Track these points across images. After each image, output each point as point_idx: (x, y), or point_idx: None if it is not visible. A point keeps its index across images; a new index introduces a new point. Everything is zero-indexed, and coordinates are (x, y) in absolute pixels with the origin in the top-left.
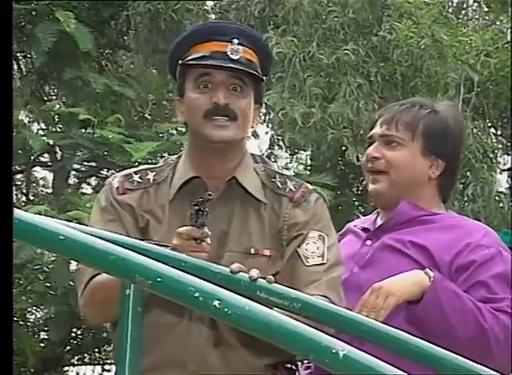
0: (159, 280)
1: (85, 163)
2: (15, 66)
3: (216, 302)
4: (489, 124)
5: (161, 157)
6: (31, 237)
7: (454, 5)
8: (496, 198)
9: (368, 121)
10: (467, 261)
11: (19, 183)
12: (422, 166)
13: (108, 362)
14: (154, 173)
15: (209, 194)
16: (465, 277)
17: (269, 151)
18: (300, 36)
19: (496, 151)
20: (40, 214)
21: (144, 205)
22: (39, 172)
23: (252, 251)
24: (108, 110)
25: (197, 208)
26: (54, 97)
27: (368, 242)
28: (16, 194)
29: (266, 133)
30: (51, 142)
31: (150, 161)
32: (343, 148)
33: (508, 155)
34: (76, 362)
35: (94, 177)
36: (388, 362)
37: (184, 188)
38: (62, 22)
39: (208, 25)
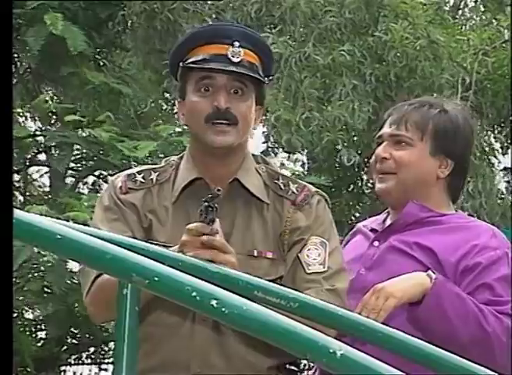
0: (156, 279)
1: (83, 162)
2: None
3: (214, 302)
4: (487, 122)
5: (159, 157)
6: (28, 236)
7: (451, 4)
8: (497, 194)
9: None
10: (473, 263)
11: (15, 183)
12: (431, 165)
13: (106, 361)
14: (157, 173)
15: (218, 190)
16: (470, 279)
17: (267, 150)
18: (297, 36)
19: (495, 148)
20: (41, 215)
21: (148, 205)
22: (36, 172)
23: (255, 253)
24: (105, 109)
25: (206, 204)
26: (52, 96)
27: (376, 243)
28: (13, 194)
29: (263, 132)
30: (47, 142)
31: (149, 160)
32: (338, 149)
33: (504, 155)
34: (73, 362)
35: (91, 177)
36: (387, 362)
37: (187, 189)
38: (49, 25)
39: (209, 27)
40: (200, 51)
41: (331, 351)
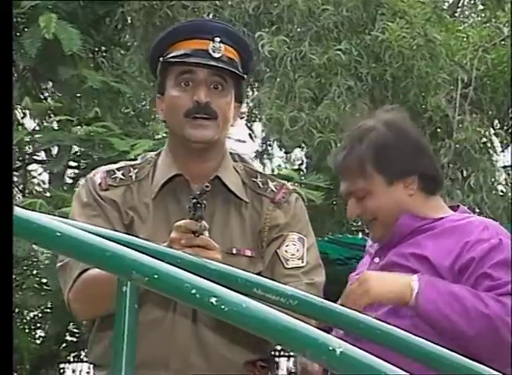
0: (156, 276)
1: (81, 161)
2: None
3: (213, 299)
4: (487, 118)
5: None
6: (27, 233)
7: (450, 2)
8: (498, 187)
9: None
10: (467, 259)
11: (15, 180)
12: (397, 192)
13: None
14: (136, 170)
15: (206, 186)
16: (468, 275)
17: (264, 150)
18: (294, 34)
19: (495, 144)
20: (34, 206)
21: (128, 202)
22: (35, 169)
23: (234, 251)
24: (103, 107)
25: (194, 201)
26: (49, 95)
27: (376, 260)
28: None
29: (262, 131)
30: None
31: None
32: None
33: (503, 151)
34: (72, 359)
35: None
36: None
37: (166, 186)
38: (43, 27)
39: (189, 23)
40: (181, 46)
41: (330, 348)
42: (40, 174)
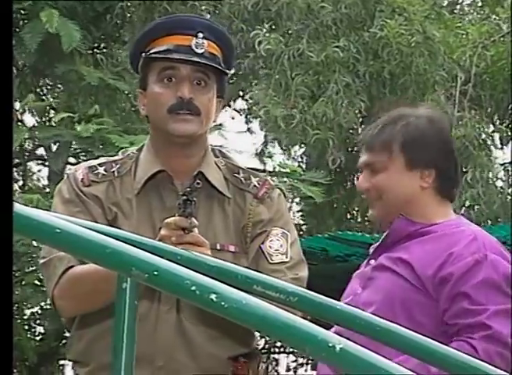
0: (156, 273)
1: (81, 158)
2: None
3: (213, 296)
4: (487, 114)
5: None
6: (27, 230)
7: None
8: (497, 184)
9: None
10: (447, 273)
11: (14, 177)
12: (411, 180)
13: None
14: (118, 165)
15: (197, 183)
16: (447, 290)
17: (264, 147)
18: (292, 31)
19: (494, 140)
20: (32, 202)
21: (111, 198)
22: (35, 166)
23: (218, 246)
24: (102, 104)
25: (184, 197)
26: (49, 91)
27: (372, 262)
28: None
29: (261, 129)
30: (43, 137)
31: None
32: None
33: (504, 146)
34: None
35: None
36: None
37: (149, 182)
38: (46, 22)
39: (172, 18)
40: (164, 42)
41: (330, 345)
42: (39, 171)
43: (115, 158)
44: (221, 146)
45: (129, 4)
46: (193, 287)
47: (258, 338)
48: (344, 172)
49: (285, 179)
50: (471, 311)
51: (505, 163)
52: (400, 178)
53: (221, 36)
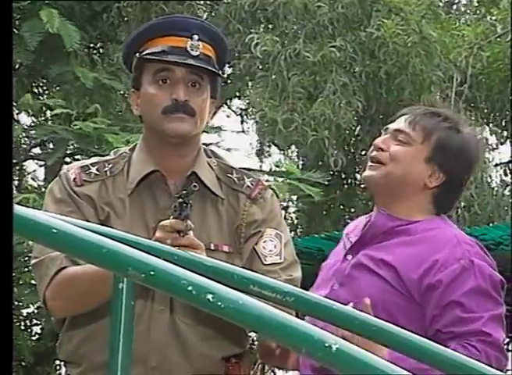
0: (152, 273)
1: (77, 157)
2: None
3: (209, 296)
4: (482, 115)
5: None
6: (24, 230)
7: None
8: (492, 185)
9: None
10: (435, 280)
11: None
12: (421, 170)
13: None
14: (110, 165)
15: (194, 186)
16: (437, 298)
17: (261, 147)
18: (289, 31)
19: (488, 140)
20: (28, 201)
21: (104, 198)
22: (31, 166)
23: (212, 246)
24: (97, 103)
25: (181, 200)
26: (45, 91)
27: (349, 257)
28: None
29: (257, 131)
30: (39, 136)
31: None
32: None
33: (502, 144)
34: None
35: None
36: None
37: (143, 182)
38: (46, 22)
39: (167, 19)
40: (159, 43)
41: (326, 345)
42: (35, 171)
43: (108, 157)
44: (217, 143)
45: (125, 4)
46: (190, 287)
47: (254, 338)
48: (341, 172)
49: (282, 179)
50: (466, 319)
51: (501, 163)
52: (415, 161)
53: (215, 37)
